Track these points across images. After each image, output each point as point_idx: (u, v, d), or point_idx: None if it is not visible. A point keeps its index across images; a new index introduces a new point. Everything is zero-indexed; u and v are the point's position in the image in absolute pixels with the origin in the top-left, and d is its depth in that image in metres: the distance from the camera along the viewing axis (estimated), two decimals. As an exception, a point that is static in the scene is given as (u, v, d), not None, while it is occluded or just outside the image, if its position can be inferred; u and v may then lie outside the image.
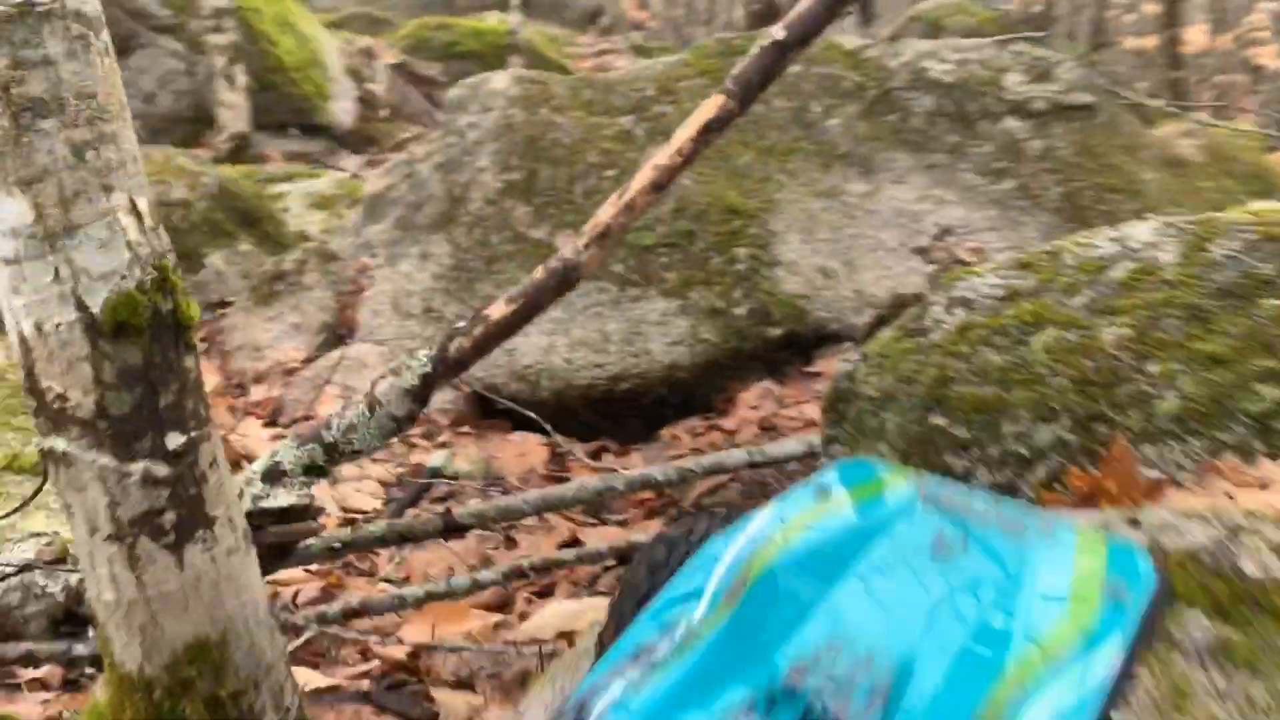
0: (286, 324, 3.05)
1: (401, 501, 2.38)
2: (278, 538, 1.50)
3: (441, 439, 2.62)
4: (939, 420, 1.40)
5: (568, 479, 2.47)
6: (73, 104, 1.01)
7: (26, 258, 1.01)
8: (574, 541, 2.10)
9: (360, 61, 7.74)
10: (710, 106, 1.63)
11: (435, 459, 2.52)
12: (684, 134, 1.63)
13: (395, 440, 2.63)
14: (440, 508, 2.41)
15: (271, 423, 2.71)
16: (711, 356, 2.67)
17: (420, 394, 1.56)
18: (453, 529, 1.69)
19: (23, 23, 0.98)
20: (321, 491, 2.44)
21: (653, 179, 1.61)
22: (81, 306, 1.02)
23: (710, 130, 1.62)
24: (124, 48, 6.14)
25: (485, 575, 1.64)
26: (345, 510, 2.39)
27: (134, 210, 1.05)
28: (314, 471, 1.52)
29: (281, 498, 1.47)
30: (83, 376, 1.04)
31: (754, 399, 2.53)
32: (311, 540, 1.60)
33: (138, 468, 1.06)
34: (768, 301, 2.72)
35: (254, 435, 2.62)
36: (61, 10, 1.00)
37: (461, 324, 1.61)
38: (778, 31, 1.63)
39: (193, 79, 6.33)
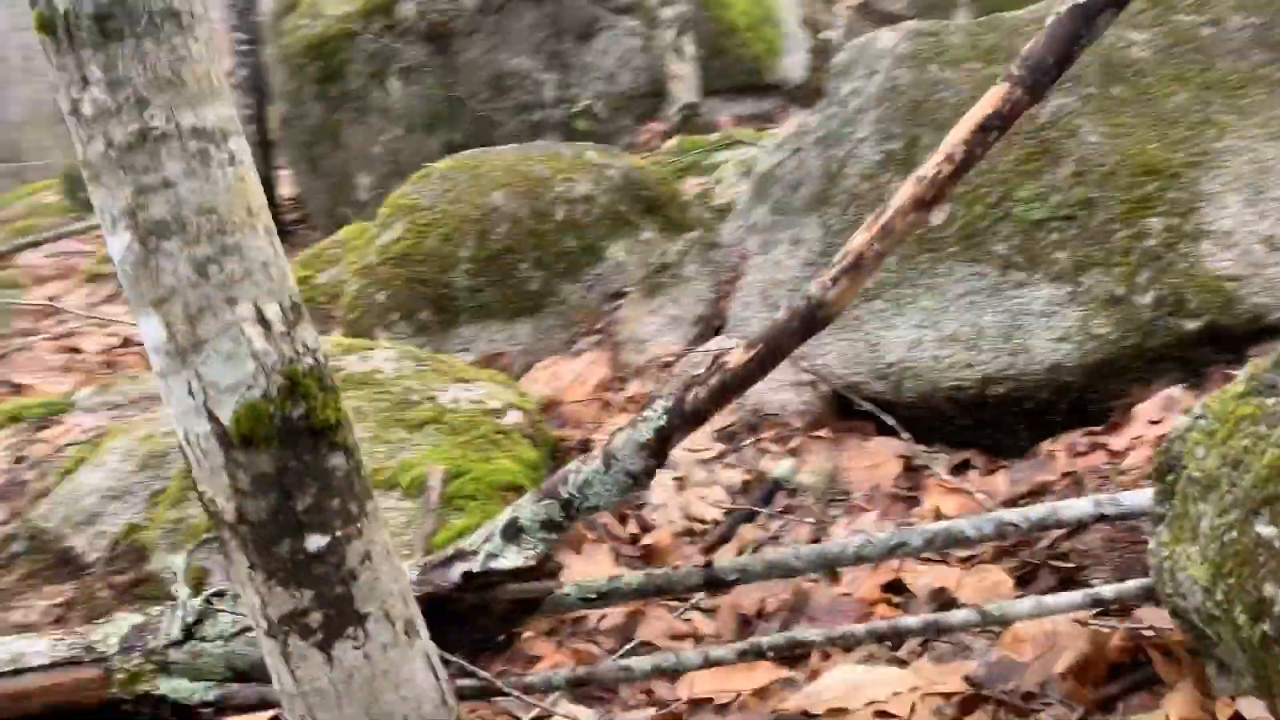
0: (666, 316, 3.06)
1: (737, 517, 2.29)
2: (515, 594, 1.49)
3: (794, 444, 2.48)
4: (1266, 530, 1.01)
5: (916, 499, 2.22)
6: (193, 221, 1.03)
7: (168, 373, 1.06)
8: (896, 585, 1.87)
9: (818, 8, 7.59)
10: (992, 99, 1.32)
11: (779, 468, 2.38)
12: (956, 136, 1.34)
13: (747, 443, 2.55)
14: (777, 524, 2.30)
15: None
16: (1105, 356, 2.22)
17: (656, 449, 1.45)
18: (715, 584, 1.57)
19: (142, 149, 1.02)
20: (667, 496, 2.44)
21: (914, 195, 1.34)
22: (213, 418, 1.05)
23: (989, 129, 1.31)
24: (587, 33, 6.57)
25: (716, 652, 1.50)
26: (688, 518, 2.36)
27: (260, 319, 1.06)
28: (552, 528, 1.48)
29: (512, 557, 1.44)
30: (222, 483, 1.07)
31: (1155, 411, 2.06)
32: (568, 591, 1.57)
33: (278, 570, 1.08)
34: (1184, 286, 2.20)
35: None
36: (178, 131, 1.02)
37: (699, 372, 1.47)
38: (1078, -8, 1.26)
39: (649, 55, 6.62)
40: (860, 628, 1.50)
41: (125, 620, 1.48)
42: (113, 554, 2.31)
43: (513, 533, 1.47)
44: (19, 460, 3.11)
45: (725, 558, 1.65)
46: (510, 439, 2.21)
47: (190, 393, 1.05)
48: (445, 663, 1.32)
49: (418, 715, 1.16)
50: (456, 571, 1.44)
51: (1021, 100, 1.31)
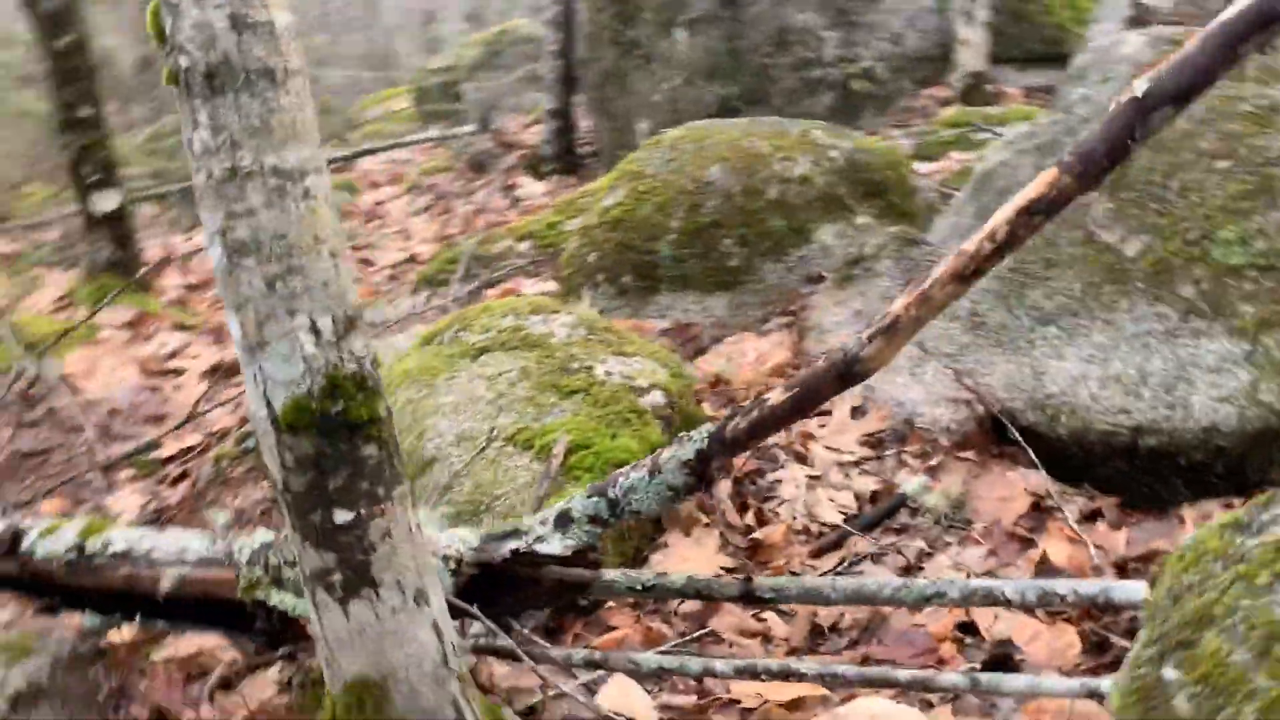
0: (851, 310, 3.07)
1: (860, 523, 2.34)
2: (560, 576, 1.67)
3: (934, 461, 2.47)
4: (1169, 674, 0.99)
5: (1033, 541, 2.18)
6: (267, 244, 1.25)
7: (243, 363, 1.30)
8: (970, 625, 1.88)
9: (1149, -29, 6.98)
10: (1040, 183, 1.31)
11: (910, 484, 2.39)
12: (1001, 215, 1.33)
13: (890, 452, 2.57)
14: (890, 540, 2.32)
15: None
16: (1267, 426, 2.06)
17: (696, 469, 1.57)
18: (749, 598, 1.67)
19: (233, 183, 1.25)
20: (797, 492, 2.51)
21: (956, 268, 1.36)
22: (269, 406, 1.29)
23: (1034, 213, 1.30)
24: (884, -9, 6.43)
25: (718, 666, 1.59)
26: (811, 518, 2.43)
27: (313, 329, 1.27)
28: (597, 523, 1.63)
29: (554, 544, 1.62)
30: (274, 458, 1.31)
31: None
32: (617, 578, 1.73)
33: (311, 534, 1.31)
34: (1370, 364, 1.99)
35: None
36: (261, 170, 1.24)
37: (746, 404, 1.55)
38: (1138, 85, 1.23)
39: (939, 17, 6.39)
40: (852, 669, 1.55)
41: (260, 536, 1.78)
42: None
43: (563, 522, 1.64)
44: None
45: (761, 578, 1.73)
46: (643, 418, 2.36)
47: (255, 382, 1.29)
48: (472, 621, 1.52)
49: (419, 670, 1.37)
50: (506, 547, 1.63)
51: (1069, 187, 1.28)
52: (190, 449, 3.08)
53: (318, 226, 1.28)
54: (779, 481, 2.55)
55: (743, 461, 2.59)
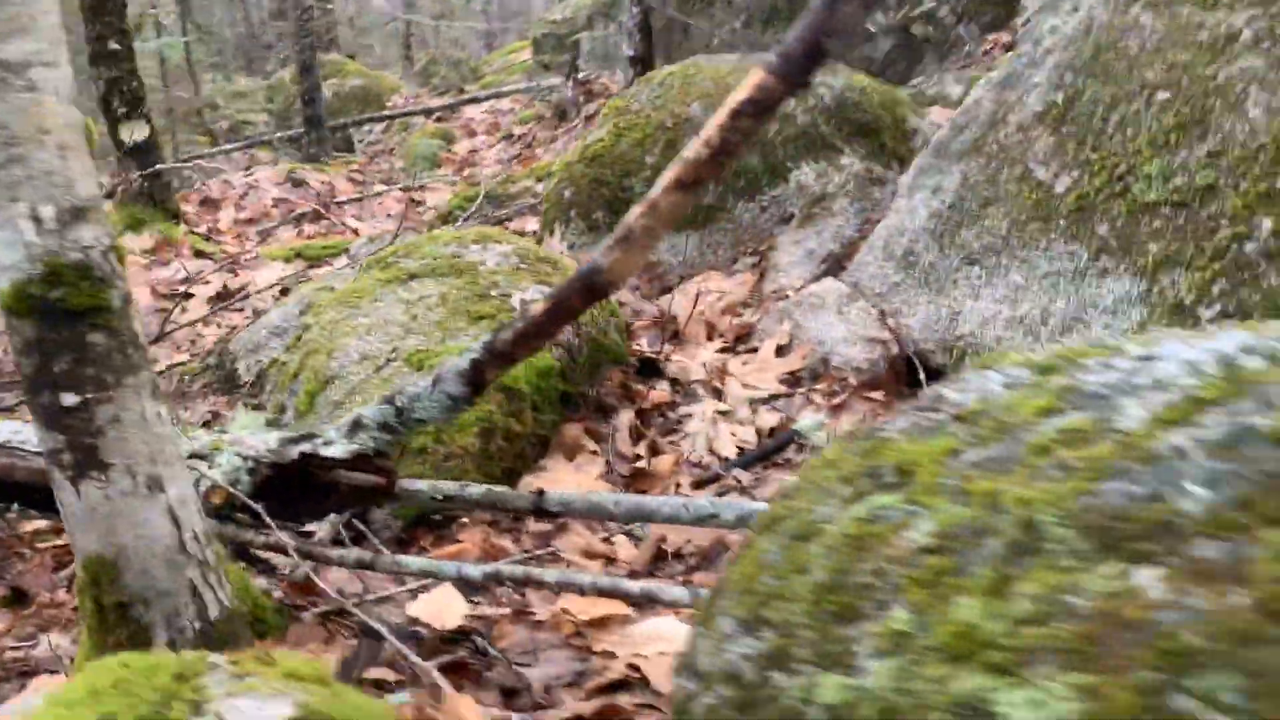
0: (805, 249, 2.99)
1: (747, 458, 2.30)
2: (354, 481, 1.70)
3: (838, 400, 2.39)
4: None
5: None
6: (-11, 134, 1.31)
7: (-21, 249, 1.37)
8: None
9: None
10: (748, 86, 1.25)
11: (804, 421, 2.33)
12: (714, 121, 1.29)
13: (801, 390, 2.51)
14: (775, 472, 2.28)
15: (728, 348, 2.77)
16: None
17: (471, 378, 1.58)
18: (540, 512, 1.67)
19: (-43, 75, 1.30)
20: (702, 427, 2.48)
21: (677, 175, 1.32)
22: (-2, 290, 1.35)
23: (741, 115, 1.25)
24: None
25: (469, 570, 1.59)
26: (710, 452, 2.40)
27: (34, 216, 1.33)
28: (386, 430, 1.66)
29: (338, 448, 1.65)
30: (6, 342, 1.38)
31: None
32: (423, 488, 1.75)
33: (41, 415, 1.38)
34: (1258, 305, 1.82)
35: (706, 357, 2.73)
36: (-20, 62, 1.30)
37: (514, 316, 1.55)
38: (822, -26, 1.16)
39: (1011, -44, 6.08)
40: (590, 578, 1.54)
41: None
42: (255, 379, 2.80)
43: (355, 429, 1.67)
44: (284, 293, 3.75)
45: (553, 491, 1.72)
46: (535, 344, 2.36)
47: (-15, 267, 1.36)
48: (254, 517, 1.57)
49: (150, 553, 1.43)
50: (297, 449, 1.67)
51: (776, 89, 1.22)
52: (173, 365, 3.23)
53: (42, 118, 1.33)
54: (689, 416, 2.53)
55: (651, 395, 2.57)
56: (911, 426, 0.97)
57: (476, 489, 1.72)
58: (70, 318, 1.35)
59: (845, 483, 0.95)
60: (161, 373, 3.35)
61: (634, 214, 1.38)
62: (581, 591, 1.52)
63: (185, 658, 0.98)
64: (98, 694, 0.91)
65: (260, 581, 1.78)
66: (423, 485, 1.75)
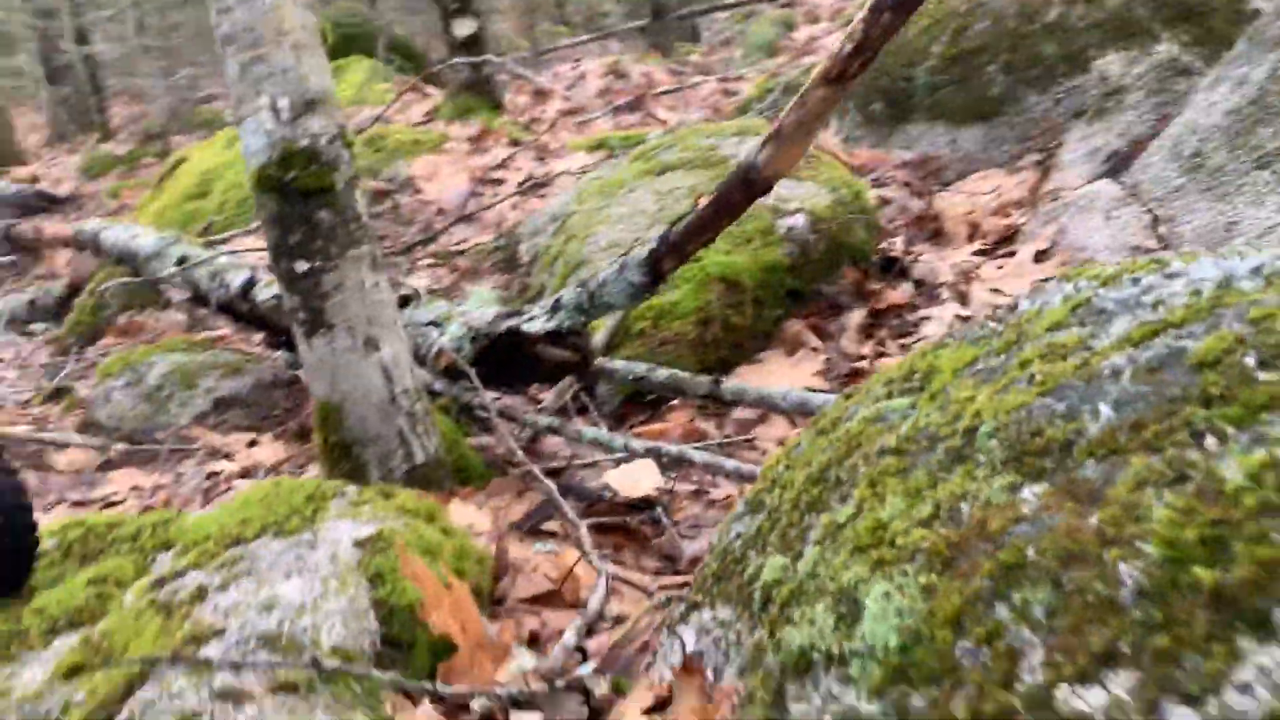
0: (1090, 146, 2.74)
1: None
2: (555, 357, 1.85)
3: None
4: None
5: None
6: (239, 36, 1.54)
7: (239, 136, 1.62)
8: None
9: None
10: (890, -24, 1.22)
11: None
12: (857, 18, 1.27)
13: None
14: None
15: (986, 250, 2.63)
16: None
17: (651, 267, 1.66)
18: (714, 398, 1.75)
19: (219, -14, 1.54)
20: (936, 330, 2.42)
21: (824, 71, 1.33)
22: (249, 170, 1.60)
23: (881, 10, 1.23)
24: None
25: (631, 443, 1.66)
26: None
27: (273, 108, 1.56)
28: (580, 310, 1.79)
29: (537, 324, 1.80)
30: (254, 214, 1.63)
31: None
32: (618, 365, 1.88)
33: (281, 278, 1.63)
34: None
35: (958, 258, 2.63)
36: (234, -26, 1.52)
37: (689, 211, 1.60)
38: None
39: None
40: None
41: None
42: (530, 260, 3.05)
43: (555, 308, 1.82)
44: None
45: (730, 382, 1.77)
46: (766, 238, 2.39)
47: (244, 151, 1.61)
48: (467, 383, 1.78)
49: (366, 402, 1.65)
50: (505, 324, 1.85)
51: (913, -20, 1.17)
52: (473, 244, 3.57)
53: (281, 21, 1.54)
54: (927, 318, 2.47)
55: (890, 295, 2.53)
56: (966, 334, 0.95)
57: (663, 372, 1.82)
58: (301, 196, 1.58)
59: (885, 384, 0.95)
60: (462, 251, 3.71)
61: (787, 110, 1.38)
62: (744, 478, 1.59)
63: (323, 485, 1.17)
64: (248, 503, 1.12)
65: (484, 439, 2.00)
66: (619, 364, 1.88)
